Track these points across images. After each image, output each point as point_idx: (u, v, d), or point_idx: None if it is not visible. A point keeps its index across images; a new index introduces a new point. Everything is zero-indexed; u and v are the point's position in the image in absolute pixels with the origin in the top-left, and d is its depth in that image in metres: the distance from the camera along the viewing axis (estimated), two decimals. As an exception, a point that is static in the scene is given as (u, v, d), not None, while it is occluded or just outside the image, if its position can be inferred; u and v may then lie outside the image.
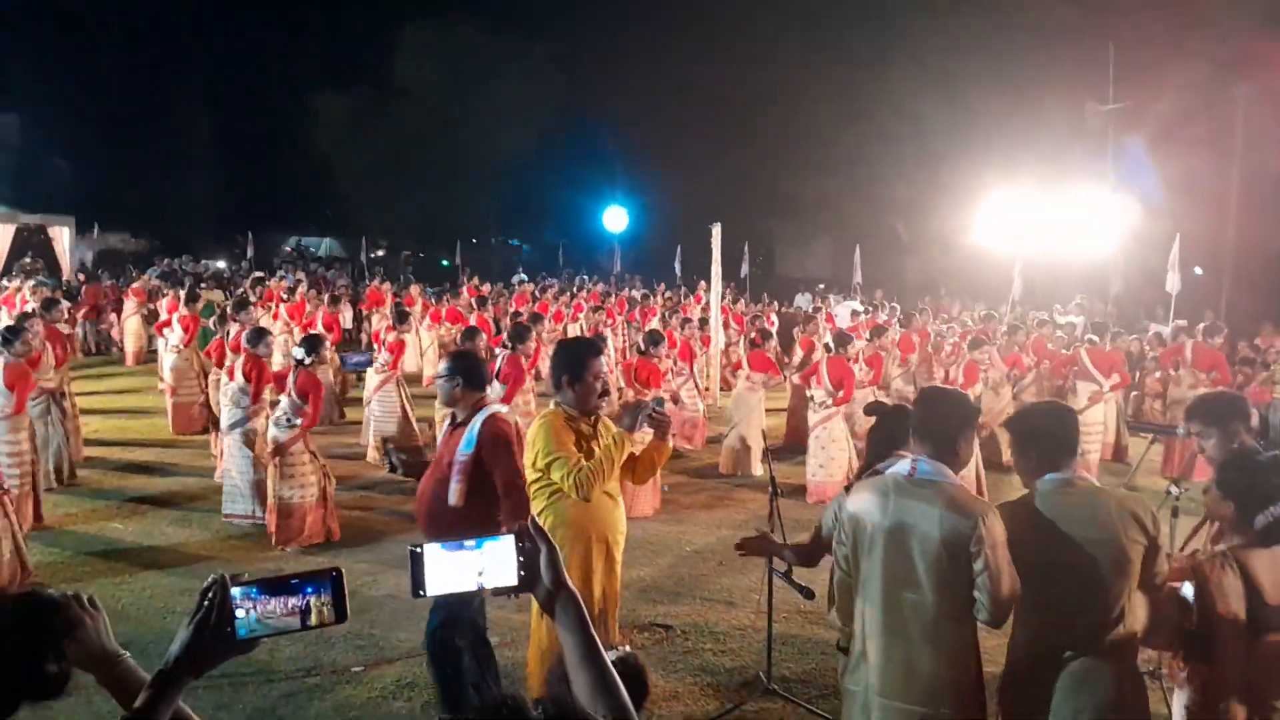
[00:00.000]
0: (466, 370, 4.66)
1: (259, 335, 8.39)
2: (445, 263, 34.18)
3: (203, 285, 20.71)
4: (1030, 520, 3.11)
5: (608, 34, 38.43)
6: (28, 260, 23.60)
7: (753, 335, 11.89)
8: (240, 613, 1.60)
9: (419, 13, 37.04)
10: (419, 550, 1.67)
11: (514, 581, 1.70)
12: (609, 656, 1.75)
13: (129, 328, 17.64)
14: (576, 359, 4.36)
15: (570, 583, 1.72)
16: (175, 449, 10.95)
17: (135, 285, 18.40)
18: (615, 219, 34.51)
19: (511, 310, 15.58)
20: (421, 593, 1.67)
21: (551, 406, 4.47)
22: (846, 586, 3.37)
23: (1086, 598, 3.03)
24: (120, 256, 29.89)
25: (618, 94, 39.84)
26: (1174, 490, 4.80)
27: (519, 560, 1.70)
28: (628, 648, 2.12)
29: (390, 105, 37.62)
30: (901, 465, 3.25)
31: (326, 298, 14.71)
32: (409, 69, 37.41)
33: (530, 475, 4.40)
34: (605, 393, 4.49)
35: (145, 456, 10.59)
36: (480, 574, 1.69)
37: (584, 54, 39.20)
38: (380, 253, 31.99)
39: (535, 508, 4.42)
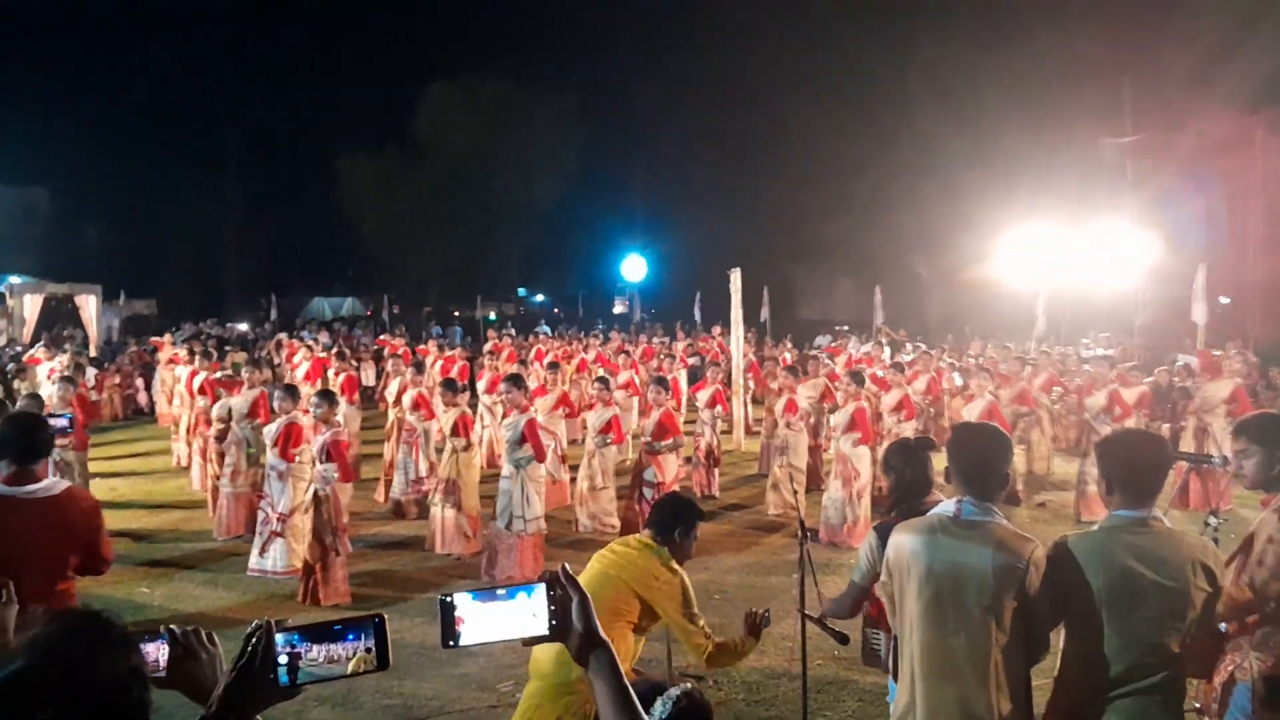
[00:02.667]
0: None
1: (290, 393, 8.59)
2: (493, 317, 34.40)
3: (227, 348, 20.92)
4: (1096, 555, 3.03)
5: (625, 87, 39.15)
6: (70, 331, 23.88)
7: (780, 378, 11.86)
8: (283, 658, 1.63)
9: (441, 72, 37.87)
10: (449, 600, 1.66)
11: (545, 631, 1.68)
12: (672, 693, 1.73)
13: (158, 388, 17.85)
14: (692, 515, 4.25)
15: (602, 631, 1.70)
16: (201, 509, 10.93)
17: (164, 348, 18.58)
18: (633, 268, 34.75)
19: (541, 360, 15.51)
20: (452, 643, 1.66)
21: (651, 543, 4.14)
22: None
23: (1144, 639, 2.97)
24: (147, 323, 30.30)
25: (635, 144, 40.49)
26: (1212, 521, 4.69)
27: (550, 609, 1.68)
28: (689, 684, 2.07)
29: (413, 164, 38.24)
30: (946, 506, 3.21)
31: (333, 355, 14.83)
32: (431, 128, 38.06)
33: (629, 608, 4.00)
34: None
35: (172, 518, 10.60)
36: (513, 623, 1.68)
37: (603, 107, 39.97)
38: (398, 309, 32.26)
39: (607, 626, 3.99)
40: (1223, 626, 3.55)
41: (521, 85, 37.79)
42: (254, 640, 1.62)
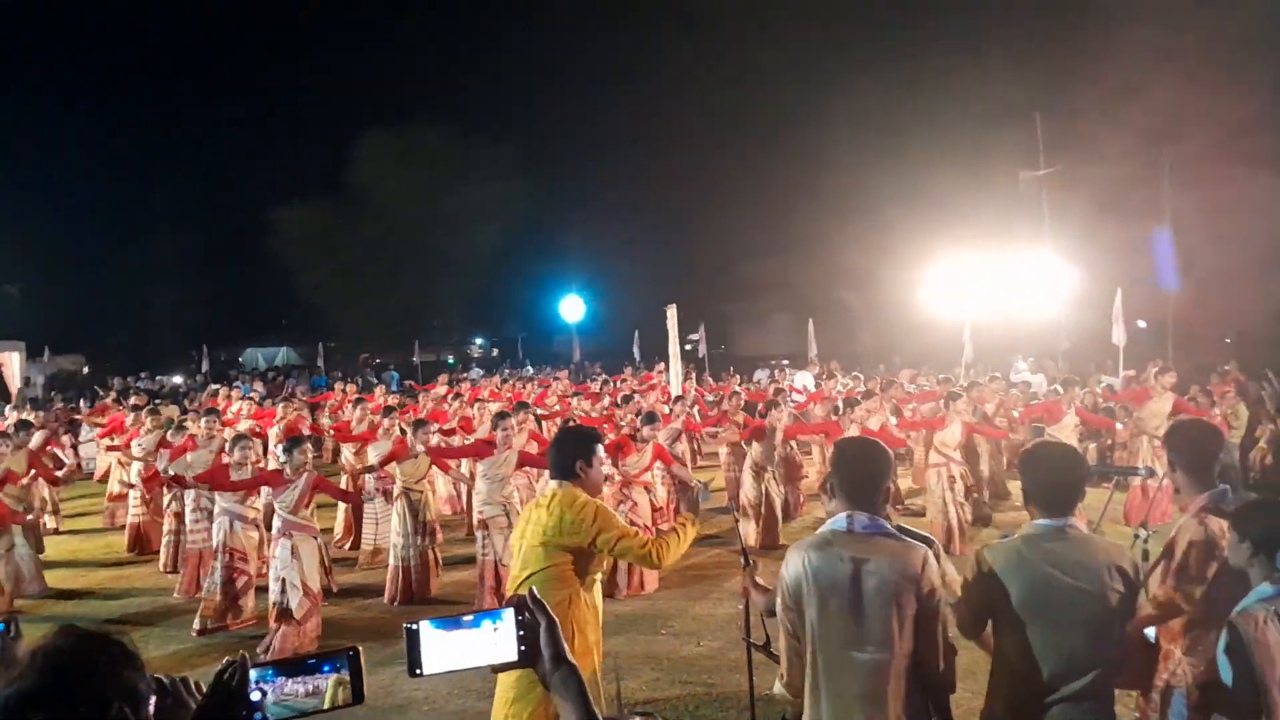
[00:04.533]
0: None
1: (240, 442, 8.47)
2: (451, 361, 34.17)
3: (158, 401, 20.42)
4: (1016, 565, 3.07)
5: (565, 133, 39.46)
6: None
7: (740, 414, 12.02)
8: (255, 695, 1.57)
9: (379, 121, 37.71)
10: (415, 628, 1.63)
11: (514, 657, 1.66)
12: None
13: (91, 448, 17.34)
14: (587, 442, 4.06)
15: (570, 656, 1.68)
16: (132, 567, 10.62)
17: (101, 405, 18.07)
18: (572, 308, 34.84)
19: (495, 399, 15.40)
20: (419, 671, 1.63)
21: (557, 490, 3.96)
22: (798, 654, 3.19)
23: (1066, 646, 3.00)
24: (73, 379, 29.39)
25: (573, 188, 40.87)
26: (1142, 533, 4.83)
27: (518, 634, 1.65)
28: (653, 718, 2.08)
29: (350, 214, 37.86)
30: (838, 520, 3.16)
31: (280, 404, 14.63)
32: (369, 176, 37.75)
33: (564, 566, 3.79)
34: (607, 477, 4.28)
35: (101, 578, 10.27)
36: (479, 650, 1.65)
37: (541, 153, 40.35)
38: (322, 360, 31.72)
39: (555, 594, 3.74)
40: (1151, 635, 3.67)
41: (459, 135, 37.84)
42: (226, 677, 1.57)
